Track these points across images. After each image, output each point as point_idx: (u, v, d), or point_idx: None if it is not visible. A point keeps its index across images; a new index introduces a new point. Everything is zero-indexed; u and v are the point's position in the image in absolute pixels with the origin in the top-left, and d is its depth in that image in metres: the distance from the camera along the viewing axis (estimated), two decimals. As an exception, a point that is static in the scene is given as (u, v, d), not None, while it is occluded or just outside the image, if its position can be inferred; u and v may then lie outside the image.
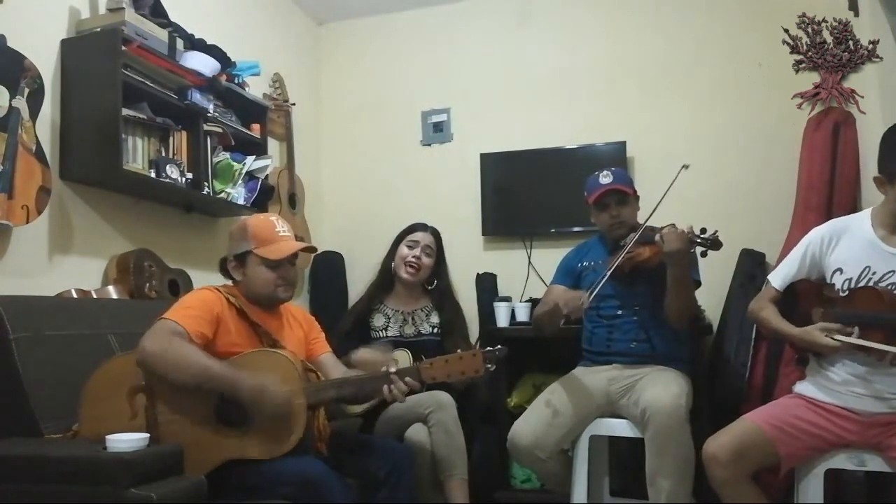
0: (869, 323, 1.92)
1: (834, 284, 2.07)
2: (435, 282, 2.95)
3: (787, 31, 3.18)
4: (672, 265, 2.31)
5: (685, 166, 2.36)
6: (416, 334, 2.86)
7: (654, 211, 2.39)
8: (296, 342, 2.11)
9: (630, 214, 2.56)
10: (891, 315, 1.88)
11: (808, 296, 2.11)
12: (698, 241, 2.23)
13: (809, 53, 3.14)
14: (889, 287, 1.96)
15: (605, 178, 2.55)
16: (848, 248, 2.07)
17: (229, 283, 2.10)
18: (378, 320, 2.89)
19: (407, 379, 1.98)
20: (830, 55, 3.09)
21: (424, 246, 2.88)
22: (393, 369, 2.00)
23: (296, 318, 2.19)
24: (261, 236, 2.02)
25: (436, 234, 2.95)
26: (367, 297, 2.95)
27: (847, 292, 2.02)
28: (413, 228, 2.95)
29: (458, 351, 2.02)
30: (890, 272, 1.98)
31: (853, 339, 1.92)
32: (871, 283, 1.99)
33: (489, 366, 2.01)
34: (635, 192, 2.62)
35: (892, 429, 1.97)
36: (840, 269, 2.06)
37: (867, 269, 2.01)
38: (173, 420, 1.80)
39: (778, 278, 2.22)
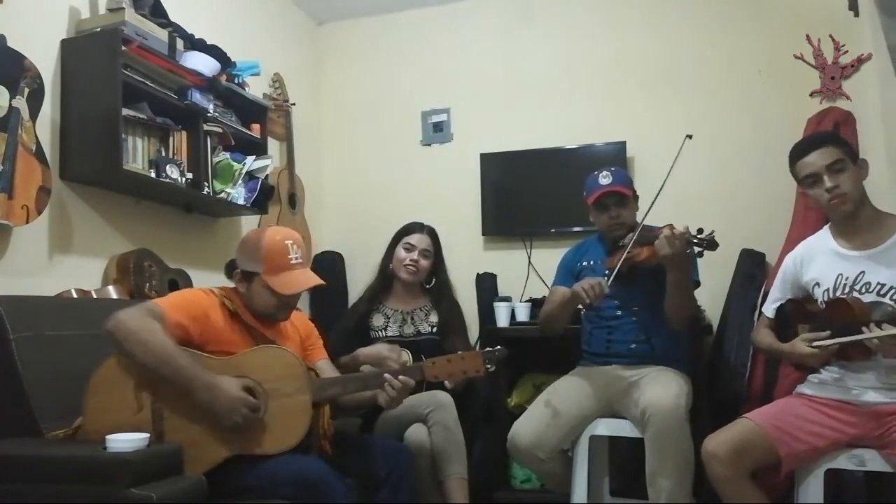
0: (846, 332, 2.00)
1: (817, 299, 2.17)
2: (433, 280, 2.94)
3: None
4: (670, 268, 2.32)
5: (689, 136, 2.38)
6: (416, 334, 2.86)
7: (661, 188, 2.38)
8: (291, 347, 2.08)
9: (629, 215, 2.56)
10: (863, 321, 1.95)
11: (796, 315, 2.21)
12: (695, 241, 2.24)
13: (810, 58, 3.16)
14: (863, 287, 2.05)
15: (605, 178, 2.55)
16: (819, 263, 2.19)
17: (229, 285, 2.09)
18: (377, 320, 2.89)
19: (401, 377, 1.97)
20: (831, 59, 3.11)
21: (422, 250, 2.86)
22: (396, 366, 1.99)
23: (293, 324, 2.17)
24: (272, 262, 1.95)
25: (432, 234, 2.94)
26: (367, 299, 2.94)
27: (824, 305, 2.13)
28: (409, 230, 2.92)
29: (459, 352, 2.02)
30: (860, 273, 2.07)
31: (829, 341, 2.00)
32: (847, 289, 2.08)
33: (488, 366, 2.01)
34: (635, 192, 2.61)
35: (891, 421, 1.98)
36: (818, 283, 2.17)
37: (840, 277, 2.11)
38: (178, 415, 1.80)
39: (769, 307, 2.33)
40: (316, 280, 2.03)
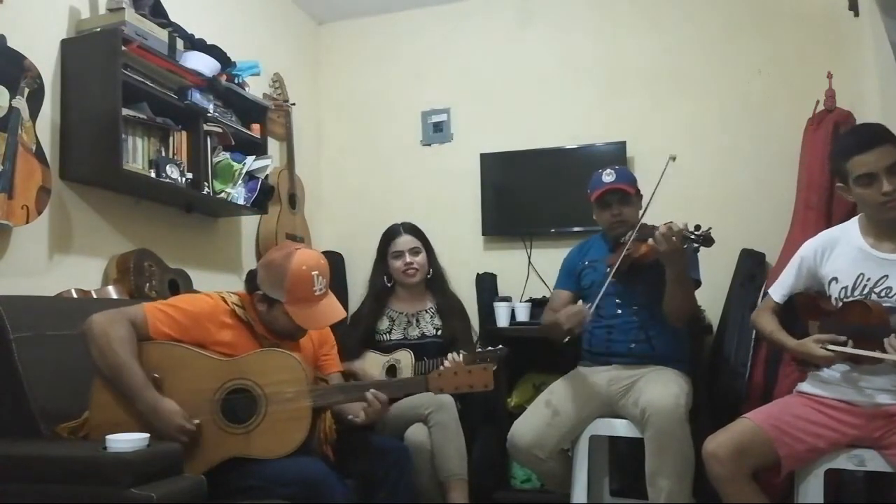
0: (860, 335, 1.97)
1: (831, 295, 2.11)
2: (430, 270, 2.93)
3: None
4: (668, 264, 2.31)
5: (672, 158, 2.35)
6: (420, 336, 2.85)
7: (647, 206, 2.40)
8: (300, 355, 2.06)
9: (631, 213, 2.56)
10: (880, 326, 1.92)
11: (805, 309, 2.17)
12: (692, 237, 2.23)
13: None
14: (884, 291, 2.00)
15: (609, 176, 2.56)
16: (841, 257, 2.11)
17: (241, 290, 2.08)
18: (382, 323, 2.88)
19: (375, 393, 1.98)
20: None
21: (410, 249, 2.86)
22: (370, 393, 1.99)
23: (308, 333, 2.12)
24: (296, 293, 1.93)
25: (412, 230, 2.93)
26: (371, 315, 2.90)
27: (840, 303, 2.07)
28: (390, 237, 2.91)
29: (467, 366, 2.01)
30: (883, 277, 2.01)
31: (846, 349, 1.96)
32: (866, 290, 2.03)
33: (493, 368, 2.01)
34: (638, 191, 2.61)
35: (893, 422, 1.97)
36: (836, 279, 2.10)
37: (861, 276, 2.04)
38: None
39: (777, 291, 2.27)
40: (338, 314, 2.03)
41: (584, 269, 2.66)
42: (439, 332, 2.86)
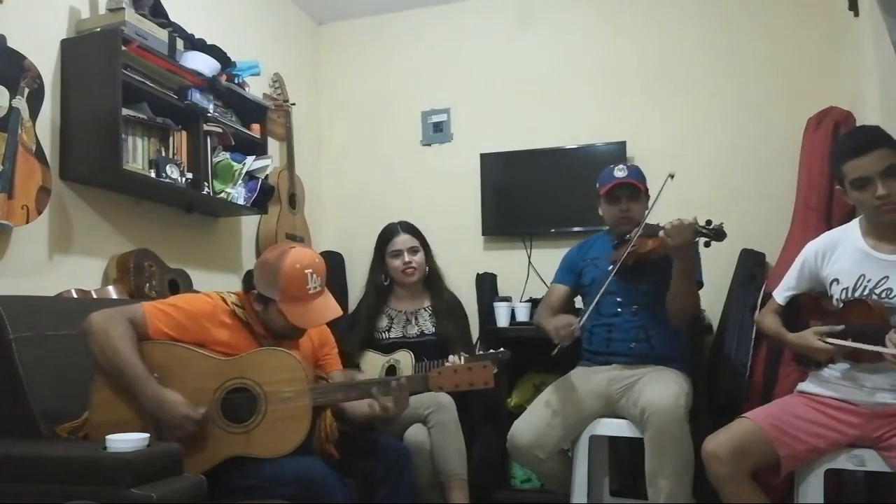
0: (862, 334, 1.96)
1: (833, 296, 2.11)
2: (428, 269, 2.93)
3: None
4: (677, 258, 2.30)
5: (671, 175, 2.33)
6: (419, 334, 2.85)
7: (646, 215, 2.41)
8: (300, 355, 2.06)
9: (639, 211, 2.55)
10: (881, 326, 1.92)
11: (808, 310, 2.17)
12: (703, 231, 2.22)
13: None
14: (884, 293, 2.00)
15: (620, 171, 2.56)
16: (841, 259, 2.11)
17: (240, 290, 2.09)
18: (381, 321, 2.88)
19: (402, 380, 1.97)
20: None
21: (409, 249, 2.85)
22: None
23: (307, 333, 2.12)
24: (290, 292, 1.92)
25: (410, 229, 2.91)
26: (370, 314, 2.89)
27: (841, 304, 2.07)
28: (388, 237, 2.90)
29: (467, 364, 2.01)
30: (884, 278, 2.01)
31: (845, 342, 1.96)
32: (866, 292, 2.03)
33: (495, 370, 2.01)
34: (647, 190, 2.61)
35: (893, 422, 1.97)
36: (837, 280, 2.11)
37: (862, 278, 2.04)
38: None
39: (780, 293, 2.28)
40: (334, 312, 2.02)
41: (586, 266, 2.65)
42: (437, 331, 2.86)
